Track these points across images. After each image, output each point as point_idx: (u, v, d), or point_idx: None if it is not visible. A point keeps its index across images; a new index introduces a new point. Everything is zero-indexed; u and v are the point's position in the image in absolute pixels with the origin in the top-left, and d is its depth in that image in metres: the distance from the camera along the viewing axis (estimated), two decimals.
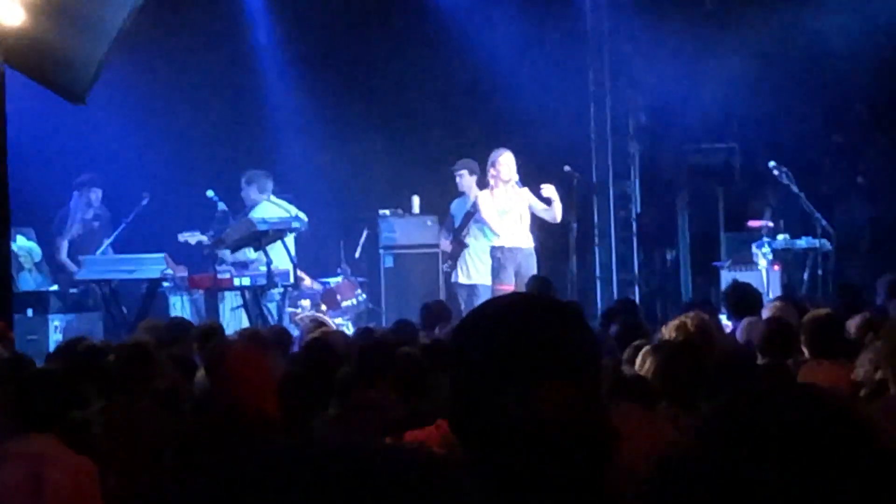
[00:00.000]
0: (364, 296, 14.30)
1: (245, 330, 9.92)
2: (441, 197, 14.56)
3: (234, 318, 13.11)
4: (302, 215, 13.58)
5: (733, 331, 8.88)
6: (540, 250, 13.42)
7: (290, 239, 13.41)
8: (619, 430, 2.12)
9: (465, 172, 13.99)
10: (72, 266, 13.90)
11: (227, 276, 13.02)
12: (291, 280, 13.22)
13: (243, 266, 13.36)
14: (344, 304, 14.00)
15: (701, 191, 15.77)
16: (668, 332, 7.52)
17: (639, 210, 16.21)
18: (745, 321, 8.62)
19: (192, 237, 13.35)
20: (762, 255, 13.65)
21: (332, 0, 15.79)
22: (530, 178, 13.46)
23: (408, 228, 14.79)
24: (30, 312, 12.71)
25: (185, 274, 13.19)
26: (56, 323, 12.68)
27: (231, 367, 5.99)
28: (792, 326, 7.63)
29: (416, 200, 14.95)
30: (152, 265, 13.11)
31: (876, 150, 15.44)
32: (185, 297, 13.67)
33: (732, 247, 14.70)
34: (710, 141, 15.62)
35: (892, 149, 15.23)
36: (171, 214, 14.08)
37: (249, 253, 13.39)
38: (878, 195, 15.20)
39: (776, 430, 1.58)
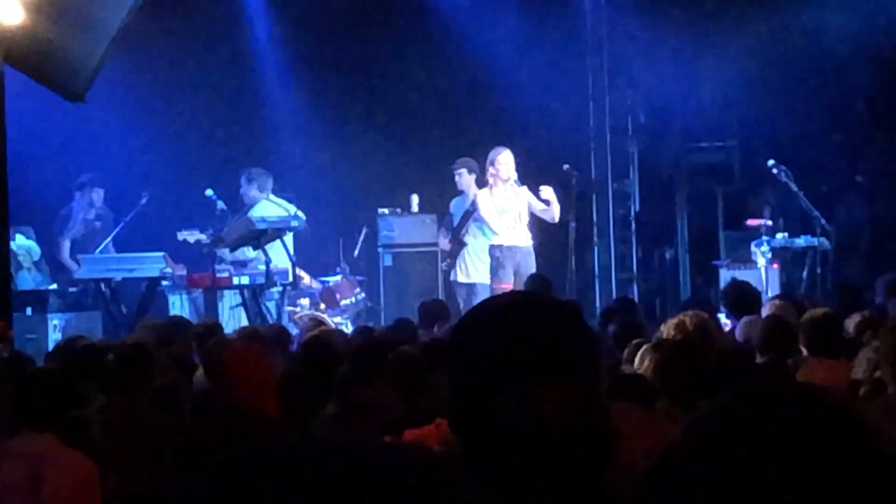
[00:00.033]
0: (363, 294, 14.30)
1: (244, 329, 9.92)
2: (440, 196, 14.56)
3: (233, 317, 13.10)
4: (300, 214, 13.58)
5: (732, 329, 8.88)
6: (539, 249, 13.42)
7: (288, 238, 13.41)
8: (618, 429, 2.12)
9: (464, 171, 13.99)
10: (74, 266, 13.89)
11: (226, 274, 13.02)
12: (290, 279, 13.22)
13: (242, 265, 13.35)
14: (343, 302, 14.00)
15: (700, 189, 15.77)
16: (666, 330, 7.52)
17: (638, 209, 16.20)
18: (743, 320, 8.62)
19: (192, 236, 13.34)
20: (761, 254, 13.65)
21: None
22: (529, 176, 13.46)
23: (407, 227, 14.79)
24: (29, 311, 12.70)
25: (185, 273, 13.19)
26: (55, 322, 12.68)
27: (230, 366, 5.99)
28: (791, 325, 7.63)
29: (415, 199, 14.95)
30: (151, 264, 13.11)
31: (875, 149, 15.44)
32: (185, 296, 13.67)
33: (731, 245, 14.70)
34: (709, 140, 15.62)
35: (891, 148, 15.22)
36: (170, 213, 14.08)
37: (248, 252, 13.39)
38: (877, 194, 15.20)
39: (775, 429, 1.58)
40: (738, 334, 8.47)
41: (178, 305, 13.57)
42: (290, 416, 6.05)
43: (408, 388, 6.40)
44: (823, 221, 13.54)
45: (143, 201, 13.91)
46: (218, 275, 12.97)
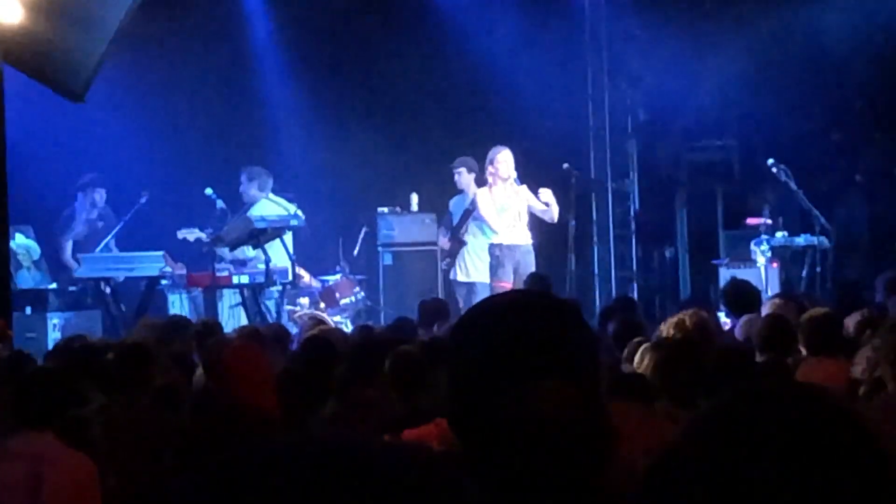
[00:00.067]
0: (363, 293, 14.30)
1: (244, 328, 9.91)
2: (440, 195, 14.56)
3: (232, 316, 13.11)
4: (300, 213, 13.59)
5: (732, 328, 8.88)
6: (538, 248, 13.43)
7: (288, 237, 13.41)
8: (618, 428, 2.12)
9: (463, 170, 13.99)
10: (76, 266, 13.90)
11: (226, 273, 13.02)
12: (290, 278, 13.22)
13: (242, 264, 13.36)
14: (342, 301, 13.99)
15: (700, 188, 15.76)
16: (666, 329, 7.53)
17: (637, 208, 16.21)
18: (743, 318, 8.62)
19: (191, 234, 13.35)
20: (761, 253, 13.65)
21: None
22: (529, 175, 13.46)
23: (406, 226, 14.80)
24: (28, 310, 12.71)
25: (184, 272, 13.19)
26: (55, 321, 12.68)
27: (229, 365, 5.99)
28: (791, 324, 7.63)
29: (414, 198, 14.95)
30: (151, 263, 13.11)
31: (875, 148, 15.44)
32: (184, 295, 13.68)
33: (731, 244, 14.69)
34: (708, 138, 15.62)
35: (891, 147, 15.22)
36: (169, 212, 14.07)
37: (248, 251, 13.39)
38: (876, 193, 15.19)
39: (774, 429, 1.58)
40: (738, 333, 8.47)
41: (178, 304, 13.58)
42: (289, 415, 6.05)
43: (407, 387, 6.40)
44: (823, 220, 13.54)
45: (143, 200, 13.91)
46: (217, 274, 12.97)
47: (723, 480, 1.56)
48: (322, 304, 13.75)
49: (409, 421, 5.47)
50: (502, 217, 13.27)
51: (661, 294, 15.91)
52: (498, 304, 2.23)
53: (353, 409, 6.35)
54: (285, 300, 13.44)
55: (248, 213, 13.40)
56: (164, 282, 13.33)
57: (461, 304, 13.15)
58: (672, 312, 8.52)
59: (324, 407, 6.50)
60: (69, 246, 14.29)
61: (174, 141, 15.33)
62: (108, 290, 13.20)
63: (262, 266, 13.00)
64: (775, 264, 13.61)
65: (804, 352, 7.38)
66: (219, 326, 9.52)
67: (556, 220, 13.36)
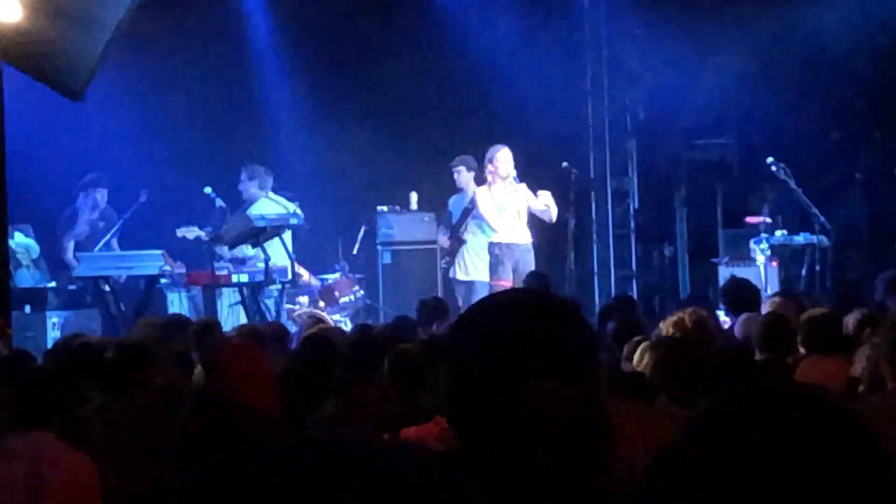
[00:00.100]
0: (362, 292, 14.30)
1: (243, 326, 9.91)
2: (439, 193, 14.56)
3: (231, 315, 13.11)
4: (299, 212, 13.59)
5: (731, 327, 8.88)
6: (538, 246, 13.43)
7: (287, 235, 13.41)
8: (617, 427, 2.12)
9: (462, 169, 13.99)
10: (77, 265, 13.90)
11: (225, 272, 13.02)
12: (289, 276, 13.22)
13: (241, 262, 13.36)
14: (342, 300, 13.99)
15: (699, 187, 15.75)
16: (665, 328, 7.53)
17: (636, 206, 16.20)
18: (742, 317, 8.61)
19: (191, 232, 13.35)
20: (760, 251, 13.65)
21: None
22: (528, 174, 13.46)
23: (406, 225, 14.80)
24: (27, 309, 12.71)
25: (183, 270, 13.19)
26: (54, 320, 12.69)
27: (229, 364, 6.00)
28: (790, 323, 7.62)
29: (413, 197, 14.95)
30: (150, 262, 13.11)
31: (874, 147, 15.43)
32: (183, 294, 13.68)
33: (730, 243, 14.69)
34: (708, 137, 15.61)
35: (890, 146, 15.22)
36: (169, 211, 14.07)
37: (247, 249, 13.39)
38: (876, 192, 15.19)
39: (773, 429, 1.57)
40: (737, 331, 8.46)
41: (177, 303, 13.58)
42: (289, 413, 6.05)
43: (407, 385, 6.40)
44: (822, 219, 13.54)
45: (142, 199, 13.91)
46: (217, 272, 12.97)
47: (722, 480, 1.56)
48: (321, 303, 13.75)
49: (409, 420, 5.46)
50: (502, 216, 13.27)
51: (661, 293, 15.91)
52: (497, 303, 2.23)
53: (352, 408, 6.34)
54: (285, 299, 13.44)
55: (248, 212, 13.40)
56: (163, 280, 13.33)
57: (461, 303, 13.15)
58: (671, 311, 8.52)
59: (323, 406, 6.49)
60: (71, 246, 14.29)
61: (173, 140, 15.32)
62: (107, 288, 13.20)
63: (261, 265, 13.00)
64: (775, 263, 13.61)
65: (803, 351, 7.38)
66: (218, 325, 9.52)
67: (554, 220, 13.36)
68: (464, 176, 13.98)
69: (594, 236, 16.00)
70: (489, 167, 13.37)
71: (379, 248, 14.79)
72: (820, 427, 1.58)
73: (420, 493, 1.34)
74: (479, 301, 2.28)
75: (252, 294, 13.03)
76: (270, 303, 13.30)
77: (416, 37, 15.61)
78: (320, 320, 11.34)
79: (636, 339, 6.87)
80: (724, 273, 13.30)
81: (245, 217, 13.19)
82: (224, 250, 13.37)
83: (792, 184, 13.42)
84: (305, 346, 7.77)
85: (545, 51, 15.23)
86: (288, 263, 13.21)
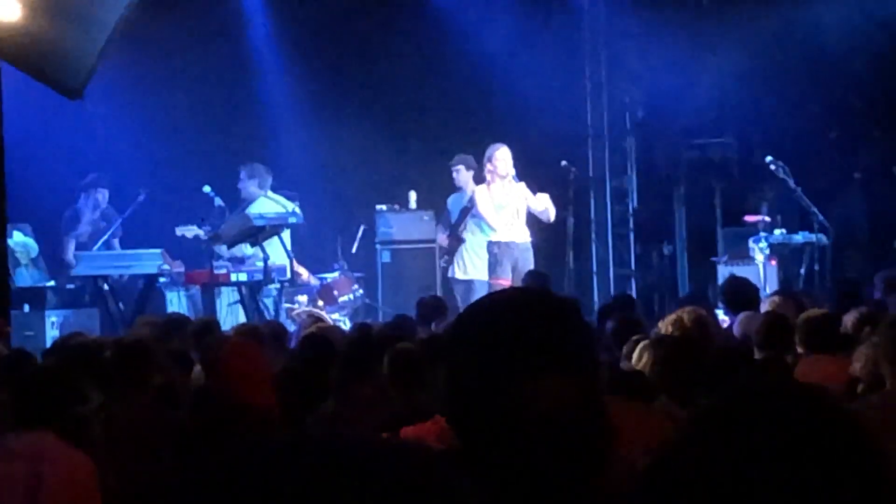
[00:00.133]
0: (361, 291, 14.29)
1: (242, 325, 9.91)
2: (438, 192, 14.56)
3: (230, 314, 13.10)
4: (298, 210, 13.59)
5: (730, 325, 8.88)
6: (537, 245, 13.43)
7: (286, 234, 13.41)
8: (616, 426, 2.12)
9: (461, 167, 14.00)
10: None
11: (224, 271, 13.02)
12: (288, 275, 13.22)
13: (240, 261, 13.36)
14: (341, 299, 13.99)
15: (698, 186, 15.76)
16: (664, 327, 7.53)
17: (636, 205, 16.20)
18: (741, 315, 8.61)
19: (189, 231, 13.35)
20: (759, 250, 13.65)
21: None
22: (527, 173, 13.46)
23: (405, 224, 14.79)
24: (26, 308, 12.70)
25: (182, 269, 13.19)
26: (53, 319, 12.68)
27: (228, 363, 5.99)
28: (790, 322, 7.62)
29: (412, 196, 14.94)
30: (149, 261, 13.11)
31: (873, 145, 15.44)
32: (182, 293, 13.68)
33: (729, 242, 14.70)
34: (707, 136, 15.61)
35: (889, 144, 15.23)
36: (167, 210, 14.07)
37: (246, 248, 13.39)
38: (875, 190, 15.20)
39: (770, 429, 1.57)
40: (736, 330, 8.46)
41: (176, 302, 13.58)
42: (288, 412, 6.05)
43: (406, 384, 6.40)
44: (821, 217, 13.54)
45: (141, 198, 13.91)
46: (216, 271, 12.96)
47: (721, 480, 1.56)
48: (320, 302, 13.74)
49: (408, 419, 5.46)
50: (500, 214, 13.27)
51: (660, 292, 15.90)
52: (496, 302, 2.23)
53: (351, 407, 6.34)
54: (283, 298, 13.44)
55: (247, 211, 13.39)
56: (162, 279, 13.33)
57: (459, 302, 13.14)
58: (671, 310, 8.53)
59: (322, 405, 6.49)
60: (72, 246, 14.27)
61: (172, 138, 15.32)
62: (106, 287, 13.20)
63: (260, 264, 13.00)
64: (774, 262, 13.61)
65: (802, 350, 7.38)
66: (217, 324, 9.52)
67: (552, 220, 13.36)
68: (463, 175, 13.99)
69: (593, 235, 16.00)
70: (488, 166, 13.37)
71: (378, 246, 14.78)
72: (818, 427, 1.58)
73: (418, 492, 1.34)
74: (478, 300, 2.28)
75: (251, 293, 13.03)
76: (269, 302, 13.30)
77: (416, 36, 15.60)
78: (319, 319, 11.35)
79: (635, 337, 6.87)
80: (723, 272, 13.31)
81: (244, 216, 13.19)
82: (223, 249, 13.36)
83: (791, 183, 13.42)
84: (304, 346, 7.77)
85: (544, 50, 15.23)
86: (287, 262, 13.21)
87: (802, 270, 13.60)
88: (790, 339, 7.42)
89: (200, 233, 13.30)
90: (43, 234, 14.23)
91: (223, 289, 13.32)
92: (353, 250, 14.73)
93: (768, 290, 11.74)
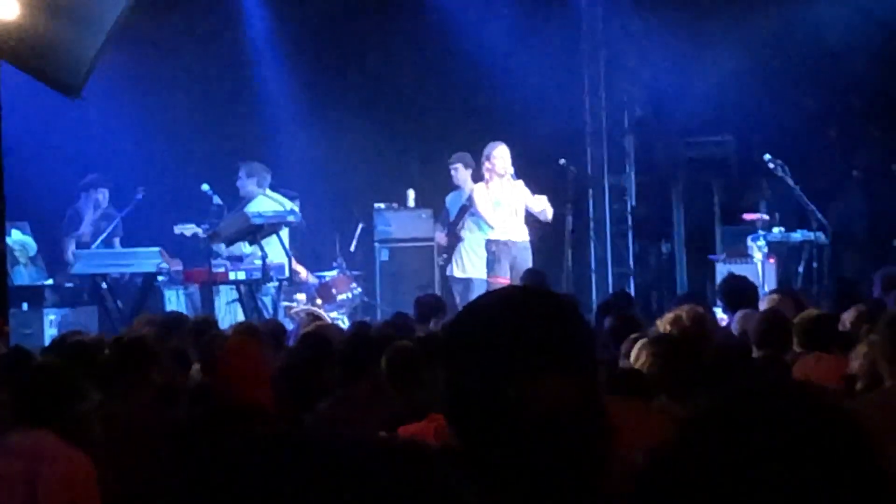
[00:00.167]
0: (359, 289, 14.29)
1: (240, 324, 9.91)
2: (436, 190, 14.57)
3: (229, 312, 13.10)
4: (296, 209, 13.59)
5: (728, 324, 8.88)
6: (535, 243, 13.43)
7: (285, 233, 13.41)
8: (615, 424, 2.12)
9: (460, 166, 14.00)
10: None
11: (223, 269, 13.01)
12: (287, 274, 13.22)
13: (238, 260, 13.35)
14: (339, 297, 13.99)
15: (696, 184, 15.76)
16: (663, 325, 7.53)
17: (634, 203, 16.20)
18: (739, 313, 8.61)
19: (188, 229, 13.35)
20: (757, 248, 13.65)
21: None
22: (526, 171, 13.46)
23: (403, 222, 14.78)
24: (25, 306, 12.70)
25: (181, 268, 13.18)
26: (51, 317, 12.68)
27: (226, 361, 5.99)
28: (788, 320, 7.62)
29: (411, 194, 14.94)
30: (147, 259, 13.11)
31: (871, 144, 15.44)
32: (181, 291, 13.67)
33: (728, 240, 14.70)
34: (705, 134, 15.60)
35: (887, 142, 15.23)
36: (166, 208, 14.07)
37: (244, 247, 13.39)
38: (873, 188, 15.19)
39: (767, 428, 1.57)
40: (734, 328, 8.46)
41: (175, 300, 13.57)
42: (286, 411, 6.05)
43: (404, 382, 6.40)
44: (820, 216, 13.55)
45: (139, 196, 13.91)
46: (214, 270, 12.96)
47: (720, 480, 1.56)
48: (319, 300, 13.74)
49: (406, 417, 5.46)
50: (499, 213, 13.26)
51: (658, 290, 15.90)
52: (495, 301, 2.22)
53: (349, 406, 6.34)
54: (282, 296, 13.44)
55: (245, 209, 13.39)
56: (160, 278, 13.32)
57: (458, 300, 13.15)
58: (669, 308, 8.52)
59: (320, 403, 6.49)
60: (73, 246, 14.25)
61: (171, 136, 15.32)
62: (104, 286, 13.20)
63: (258, 262, 13.00)
64: (772, 260, 13.61)
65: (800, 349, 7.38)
66: (214, 323, 9.52)
67: (549, 218, 13.36)
68: (461, 173, 13.99)
69: (591, 233, 15.99)
70: (486, 164, 13.37)
71: (376, 245, 14.78)
72: (817, 426, 1.58)
73: (416, 491, 1.33)
74: (476, 298, 2.28)
75: (249, 291, 13.03)
76: (268, 300, 13.30)
77: (414, 35, 15.60)
78: (318, 318, 11.35)
79: (634, 336, 6.86)
80: (721, 270, 13.31)
81: (243, 214, 13.19)
82: (221, 248, 13.36)
83: (789, 181, 13.43)
84: (303, 344, 7.77)
85: (543, 48, 15.22)
86: (285, 261, 13.21)
87: (801, 269, 13.60)
88: (788, 337, 7.42)
89: (199, 231, 13.30)
90: (41, 232, 14.23)
91: (221, 287, 13.32)
92: (352, 249, 14.73)
93: (766, 289, 11.74)
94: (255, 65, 16.07)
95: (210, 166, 14.56)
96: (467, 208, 13.70)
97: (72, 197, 14.43)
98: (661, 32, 14.91)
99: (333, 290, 14.00)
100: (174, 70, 15.42)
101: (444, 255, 14.07)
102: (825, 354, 7.09)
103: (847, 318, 8.02)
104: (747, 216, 14.37)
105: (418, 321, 9.81)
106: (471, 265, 13.70)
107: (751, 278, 10.40)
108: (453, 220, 13.95)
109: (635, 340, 6.53)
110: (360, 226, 14.79)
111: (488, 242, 13.32)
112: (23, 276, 13.66)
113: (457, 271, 13.84)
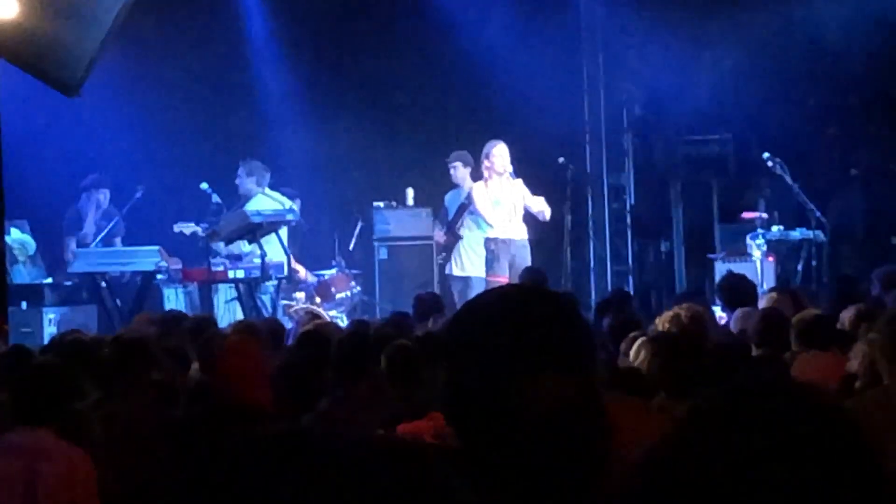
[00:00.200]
0: (358, 288, 14.29)
1: (239, 322, 9.91)
2: (435, 189, 14.56)
3: (228, 311, 13.10)
4: (295, 208, 13.58)
5: (727, 322, 8.88)
6: (534, 242, 13.42)
7: (284, 231, 13.41)
8: (614, 423, 2.12)
9: (459, 164, 14.00)
10: None
11: (222, 268, 13.01)
12: (286, 272, 13.22)
13: (237, 258, 13.35)
14: (338, 296, 13.99)
15: (695, 182, 15.76)
16: (661, 324, 7.53)
17: (633, 202, 16.20)
18: (738, 312, 8.61)
19: (187, 228, 13.35)
20: (756, 247, 13.65)
21: None
22: (524, 170, 13.46)
23: (402, 220, 14.77)
24: (24, 305, 12.69)
25: (180, 266, 13.18)
26: (51, 316, 12.67)
27: (225, 360, 5.99)
28: (787, 318, 7.62)
29: (410, 192, 14.93)
30: (146, 258, 13.11)
31: (869, 142, 15.44)
32: (180, 290, 13.66)
33: (727, 238, 14.70)
34: (704, 132, 15.60)
35: (886, 140, 15.23)
36: (165, 207, 14.07)
37: (243, 245, 13.38)
38: (872, 187, 15.20)
39: (766, 427, 1.57)
40: (733, 326, 8.46)
41: (174, 299, 13.57)
42: (285, 410, 6.05)
43: (404, 381, 6.40)
44: (818, 214, 13.55)
45: (138, 195, 13.90)
46: (213, 268, 12.96)
47: (718, 479, 1.56)
48: (318, 299, 13.74)
49: (406, 416, 5.46)
50: (497, 211, 13.26)
51: (657, 288, 15.91)
52: (494, 299, 2.22)
53: (348, 405, 6.34)
54: (281, 295, 13.43)
55: (244, 208, 13.39)
56: (159, 276, 13.32)
57: (457, 299, 13.15)
58: (668, 307, 8.52)
59: (319, 402, 6.49)
60: (73, 246, 14.24)
61: (170, 134, 15.31)
62: (103, 284, 13.20)
63: (257, 261, 12.99)
64: (771, 258, 13.61)
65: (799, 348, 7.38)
66: (213, 321, 9.51)
67: (547, 217, 13.36)
68: (460, 171, 13.99)
69: (590, 232, 15.99)
70: (485, 163, 13.37)
71: (375, 243, 14.76)
72: (816, 425, 1.58)
73: (415, 490, 1.34)
74: (475, 297, 2.28)
75: (248, 290, 13.03)
76: (266, 299, 13.29)
77: (414, 34, 15.59)
78: (317, 316, 11.33)
79: (632, 334, 6.87)
80: (720, 268, 13.30)
81: (242, 213, 13.19)
82: (220, 246, 13.35)
83: (788, 179, 13.43)
84: (302, 343, 7.77)
85: (541, 47, 15.21)
86: (284, 259, 13.21)
87: (800, 267, 13.61)
88: (787, 335, 7.42)
89: (198, 230, 13.30)
90: (40, 231, 14.22)
91: (220, 286, 13.31)
92: (351, 247, 14.73)
93: (765, 287, 11.74)
94: (254, 63, 16.06)
95: (209, 165, 14.56)
96: (466, 207, 13.70)
97: (71, 196, 14.42)
98: (660, 32, 14.91)
99: (332, 289, 14.00)
100: (174, 69, 15.41)
101: (443, 254, 14.07)
102: (824, 353, 7.10)
103: (846, 316, 8.02)
104: (746, 215, 14.37)
105: (417, 320, 9.81)
106: (470, 264, 13.70)
107: (750, 277, 10.40)
108: (452, 218, 13.95)
109: (634, 339, 6.54)
110: (359, 224, 14.79)
111: (487, 241, 13.32)
112: (22, 274, 13.65)
113: (456, 270, 13.84)
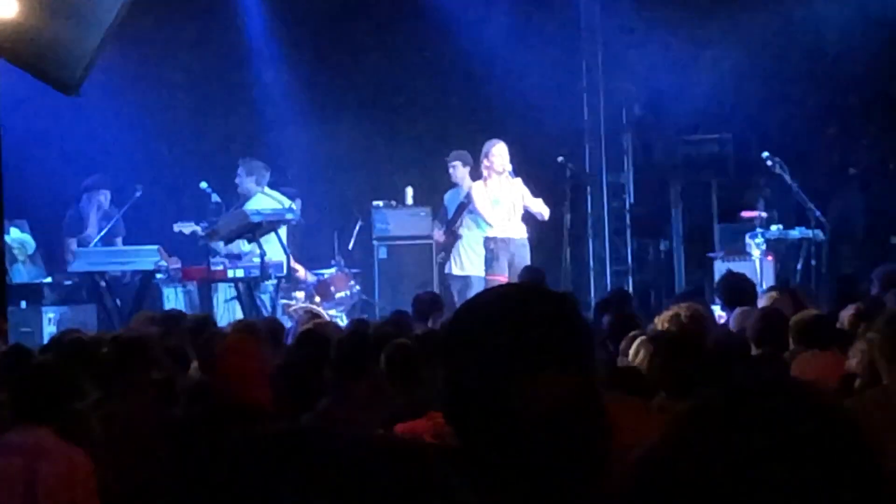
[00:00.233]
0: (358, 287, 14.29)
1: (238, 322, 9.91)
2: (435, 188, 14.57)
3: (227, 310, 13.11)
4: (295, 207, 13.58)
5: (727, 321, 8.88)
6: (533, 241, 13.43)
7: (283, 231, 13.41)
8: (613, 422, 2.12)
9: (458, 163, 14.00)
10: None
11: (221, 267, 13.01)
12: (285, 272, 13.22)
13: (237, 258, 13.35)
14: (338, 295, 13.99)
15: (694, 182, 15.77)
16: (661, 323, 7.53)
17: (632, 201, 16.20)
18: (737, 311, 8.61)
19: (187, 227, 13.35)
20: (756, 246, 13.66)
21: None
22: (524, 169, 13.47)
23: (401, 220, 14.77)
24: (23, 304, 12.69)
25: (179, 266, 13.18)
26: (50, 315, 12.67)
27: (224, 359, 5.99)
28: (787, 318, 7.63)
29: (409, 192, 14.93)
30: (146, 257, 13.11)
31: (869, 141, 15.44)
32: (179, 289, 13.66)
33: (726, 237, 14.70)
34: (703, 132, 15.61)
35: (885, 140, 15.23)
36: (164, 206, 14.07)
37: (243, 245, 13.39)
38: (871, 186, 15.20)
39: (766, 427, 1.57)
40: (732, 326, 8.46)
41: (173, 298, 13.57)
42: (284, 409, 6.05)
43: (403, 380, 6.40)
44: (818, 213, 13.55)
45: (138, 194, 13.90)
46: (212, 268, 12.96)
47: (717, 479, 1.56)
48: (317, 298, 13.74)
49: (405, 415, 5.46)
50: (497, 210, 13.27)
51: (657, 287, 15.91)
52: (494, 298, 2.22)
53: (347, 404, 6.34)
54: (280, 294, 13.43)
55: (244, 207, 13.39)
56: (159, 276, 13.32)
57: (456, 298, 13.15)
58: (667, 306, 8.52)
59: (319, 401, 6.49)
60: (74, 247, 14.22)
61: (169, 134, 15.32)
62: (103, 284, 13.20)
63: (257, 260, 13.00)
64: (770, 257, 13.62)
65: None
66: (212, 321, 9.52)
67: (546, 217, 13.37)
68: (459, 171, 13.99)
69: (590, 231, 15.99)
70: (485, 162, 13.37)
71: (375, 243, 14.76)
72: (816, 425, 1.58)
73: (414, 489, 1.34)
74: (475, 296, 2.28)
75: (248, 289, 13.03)
76: (266, 298, 13.29)
77: (413, 33, 15.59)
78: (316, 315, 11.33)
79: (632, 334, 6.87)
80: (719, 267, 13.31)
81: (241, 212, 13.19)
82: (220, 245, 13.36)
83: (787, 178, 13.43)
84: (301, 342, 7.77)
85: (541, 46, 15.22)
86: (284, 259, 13.21)
87: (799, 266, 13.61)
88: (786, 334, 7.43)
89: (197, 229, 13.30)
90: (40, 230, 14.22)
91: (220, 285, 13.32)
92: (350, 247, 14.73)
93: (765, 286, 11.74)
94: (254, 63, 16.06)
95: (209, 164, 14.56)
96: (466, 206, 13.70)
97: (71, 195, 14.41)
98: (659, 31, 14.91)
99: (332, 288, 14.00)
100: (173, 69, 15.42)
101: (443, 253, 14.07)
102: (823, 352, 7.10)
103: (845, 315, 8.02)
104: (746, 214, 14.38)
105: (417, 319, 9.81)
106: (469, 263, 13.70)
107: (749, 276, 10.42)
108: (452, 217, 13.95)
109: (634, 338, 6.54)
110: (359, 224, 14.79)
111: (487, 240, 13.32)
112: (21, 274, 13.65)
113: (455, 269, 13.84)
